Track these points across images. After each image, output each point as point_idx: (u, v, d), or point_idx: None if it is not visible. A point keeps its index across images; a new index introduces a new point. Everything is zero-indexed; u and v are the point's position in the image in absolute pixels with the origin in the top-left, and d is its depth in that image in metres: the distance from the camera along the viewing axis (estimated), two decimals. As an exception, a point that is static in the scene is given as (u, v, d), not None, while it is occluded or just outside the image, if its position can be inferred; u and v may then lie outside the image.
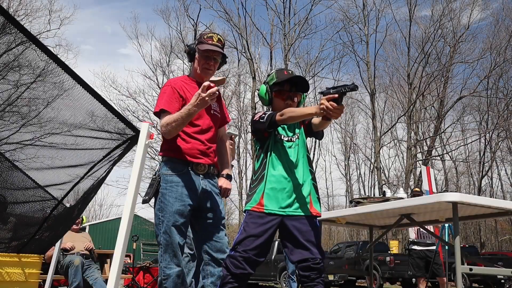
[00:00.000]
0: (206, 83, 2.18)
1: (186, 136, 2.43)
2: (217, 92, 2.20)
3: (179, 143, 2.42)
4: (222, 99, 2.68)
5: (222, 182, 2.55)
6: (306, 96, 2.58)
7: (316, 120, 2.40)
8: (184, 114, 2.26)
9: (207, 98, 2.18)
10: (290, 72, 2.48)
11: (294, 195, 2.31)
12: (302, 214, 2.31)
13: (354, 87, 2.06)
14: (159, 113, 2.40)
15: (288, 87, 2.44)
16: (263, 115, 2.37)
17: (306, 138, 2.50)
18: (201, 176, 2.43)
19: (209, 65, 2.48)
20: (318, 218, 2.40)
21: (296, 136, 2.44)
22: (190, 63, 2.62)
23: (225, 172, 2.60)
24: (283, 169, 2.33)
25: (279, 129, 2.42)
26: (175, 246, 2.32)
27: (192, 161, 2.41)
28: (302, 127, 2.49)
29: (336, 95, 2.09)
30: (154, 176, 2.45)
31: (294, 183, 2.33)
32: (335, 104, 2.07)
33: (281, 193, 2.30)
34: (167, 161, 2.42)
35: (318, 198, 2.42)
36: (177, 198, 2.35)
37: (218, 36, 2.50)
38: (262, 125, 2.34)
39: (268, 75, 2.54)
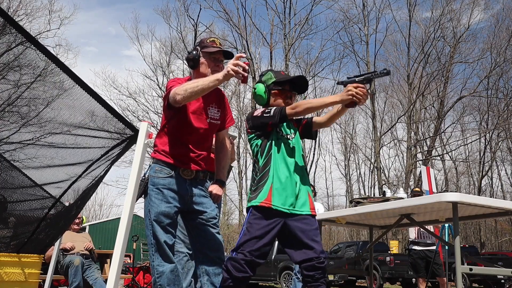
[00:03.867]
0: (240, 54, 2.16)
1: (178, 142, 2.44)
2: (246, 67, 2.14)
3: (170, 147, 2.44)
4: (227, 102, 2.66)
5: (212, 187, 2.52)
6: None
7: (318, 119, 2.41)
8: (209, 80, 2.20)
9: (232, 72, 2.12)
10: (286, 73, 2.52)
11: (297, 193, 2.32)
12: (305, 213, 2.31)
13: (386, 73, 2.00)
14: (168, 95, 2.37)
15: (289, 87, 2.45)
16: (267, 110, 2.36)
17: (301, 139, 2.51)
18: (187, 181, 2.44)
19: (219, 67, 2.48)
20: (318, 218, 2.41)
21: (293, 135, 2.44)
22: (191, 70, 2.56)
23: (217, 177, 2.57)
24: (286, 166, 2.33)
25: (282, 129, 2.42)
26: (164, 244, 2.35)
27: (179, 166, 2.43)
28: (297, 128, 2.49)
29: (365, 83, 2.08)
30: (143, 177, 2.46)
31: (297, 181, 2.33)
32: (364, 90, 2.05)
33: (287, 190, 2.29)
34: (156, 163, 2.44)
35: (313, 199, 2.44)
36: (162, 200, 2.37)
37: (219, 40, 2.55)
38: (269, 119, 2.32)
39: (262, 75, 2.53)
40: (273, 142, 2.38)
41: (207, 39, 2.52)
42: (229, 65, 2.14)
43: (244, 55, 2.16)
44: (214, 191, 2.51)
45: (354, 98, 2.08)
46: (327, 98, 2.24)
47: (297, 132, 2.47)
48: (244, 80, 2.18)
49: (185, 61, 2.64)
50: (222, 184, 2.56)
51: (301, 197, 2.32)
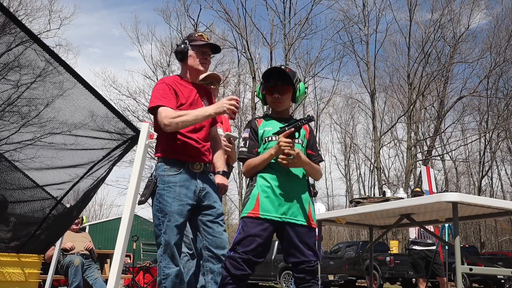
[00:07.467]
0: (235, 97, 2.34)
1: (181, 136, 2.45)
2: (239, 106, 2.35)
3: (175, 143, 2.45)
4: (214, 99, 2.75)
5: (219, 179, 2.60)
6: (305, 90, 2.46)
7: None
8: (202, 115, 2.38)
9: (226, 108, 2.31)
10: None
11: (289, 203, 2.26)
12: (300, 223, 2.27)
13: (310, 119, 2.13)
14: (156, 109, 2.41)
15: (273, 82, 2.42)
16: (244, 141, 2.38)
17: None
18: (197, 174, 2.46)
19: (207, 60, 2.58)
20: (318, 218, 2.39)
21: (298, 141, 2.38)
22: (179, 62, 2.66)
23: (220, 169, 2.65)
24: (276, 175, 2.28)
25: (271, 134, 2.36)
26: (174, 247, 2.35)
27: (189, 160, 2.44)
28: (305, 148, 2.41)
29: (293, 129, 2.17)
30: (150, 177, 2.45)
31: (291, 189, 2.28)
32: (288, 141, 2.14)
33: (276, 199, 2.25)
34: (164, 162, 2.44)
35: (314, 211, 2.38)
36: (175, 198, 2.37)
37: (206, 35, 2.64)
38: (240, 153, 2.39)
39: None
40: (262, 151, 2.35)
41: (195, 34, 2.61)
42: (224, 102, 2.31)
43: (237, 98, 2.35)
44: (221, 182, 2.60)
45: (284, 150, 2.16)
46: (266, 153, 2.27)
47: (304, 149, 2.38)
48: (232, 117, 2.42)
49: (174, 55, 2.77)
50: (226, 175, 2.66)
51: (296, 207, 2.27)
